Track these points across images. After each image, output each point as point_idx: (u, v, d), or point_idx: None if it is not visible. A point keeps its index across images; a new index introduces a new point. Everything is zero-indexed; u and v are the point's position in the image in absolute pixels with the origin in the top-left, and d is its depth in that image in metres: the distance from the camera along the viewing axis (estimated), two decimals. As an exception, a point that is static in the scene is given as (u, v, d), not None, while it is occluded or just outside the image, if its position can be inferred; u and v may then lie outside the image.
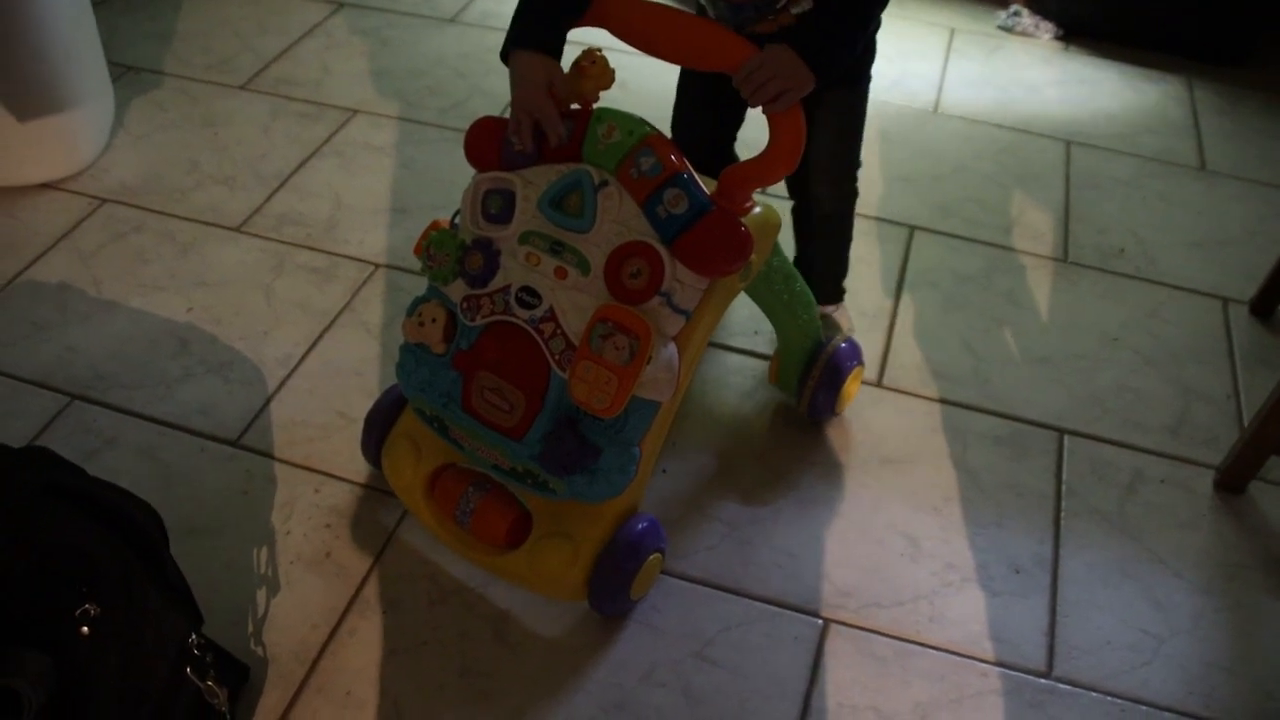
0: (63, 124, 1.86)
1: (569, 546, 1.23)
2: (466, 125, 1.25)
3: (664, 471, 1.47)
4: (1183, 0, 2.37)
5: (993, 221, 1.93)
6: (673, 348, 1.16)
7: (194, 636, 1.12)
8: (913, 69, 2.33)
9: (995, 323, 1.73)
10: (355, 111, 2.10)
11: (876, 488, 1.48)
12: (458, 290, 1.24)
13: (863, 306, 1.74)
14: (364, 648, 1.27)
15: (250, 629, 1.29)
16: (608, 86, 1.20)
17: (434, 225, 1.27)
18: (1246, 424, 1.53)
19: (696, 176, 1.14)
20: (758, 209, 1.21)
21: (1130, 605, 1.37)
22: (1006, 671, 1.29)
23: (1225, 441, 1.55)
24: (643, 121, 1.16)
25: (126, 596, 1.05)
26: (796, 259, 1.51)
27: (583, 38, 1.23)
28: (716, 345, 1.66)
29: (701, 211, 1.12)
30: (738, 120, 1.49)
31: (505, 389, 1.21)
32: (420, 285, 1.30)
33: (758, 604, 1.34)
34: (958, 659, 1.30)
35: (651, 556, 1.26)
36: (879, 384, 1.62)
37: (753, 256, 1.16)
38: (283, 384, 1.57)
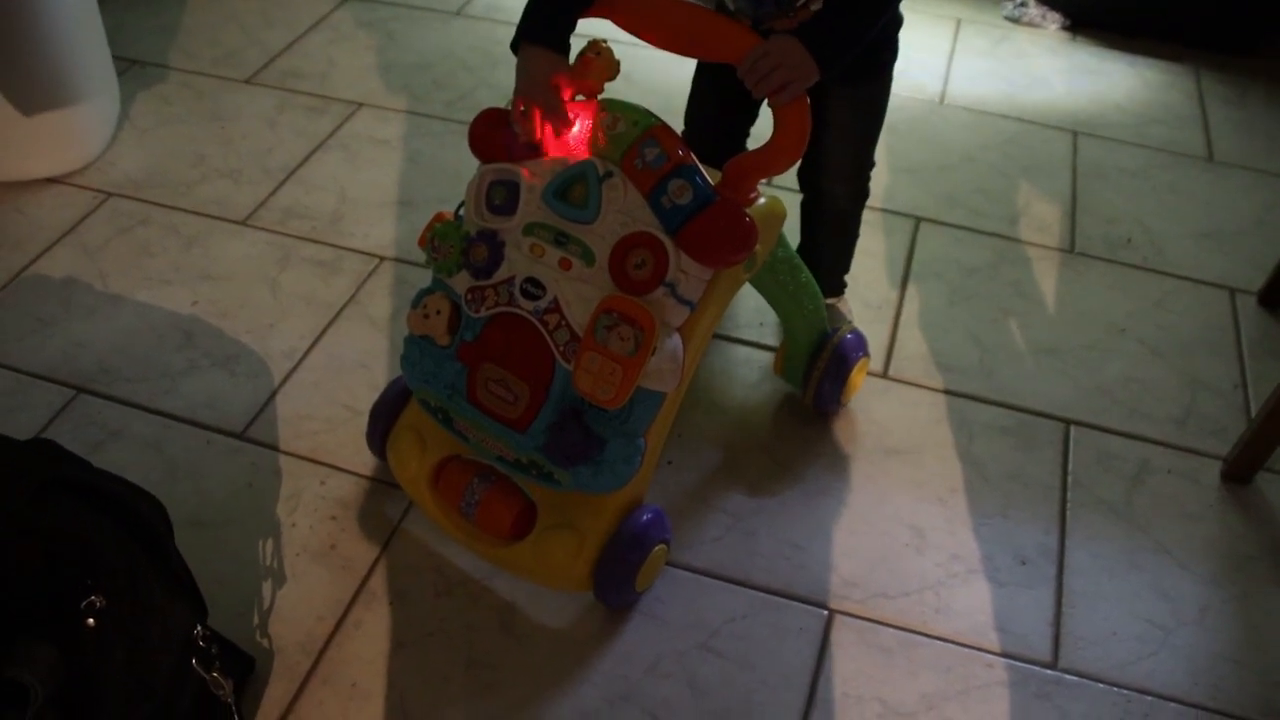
0: (68, 118, 1.86)
1: (574, 538, 1.23)
2: (472, 118, 1.24)
3: (669, 463, 1.47)
4: (1190, -10, 2.36)
5: (999, 212, 1.93)
6: (677, 338, 1.16)
7: (199, 628, 1.12)
8: (919, 60, 2.32)
9: (1001, 313, 1.73)
10: (361, 105, 2.10)
11: (882, 479, 1.48)
12: (462, 282, 1.24)
13: (868, 298, 1.74)
14: (370, 639, 1.27)
15: (256, 621, 1.29)
16: (613, 78, 1.20)
17: (438, 217, 1.27)
18: (1254, 415, 1.53)
19: (701, 167, 1.14)
20: (763, 200, 1.21)
21: (1137, 596, 1.36)
22: (1012, 663, 1.29)
23: (1232, 432, 1.55)
24: (648, 112, 1.16)
25: (132, 588, 1.06)
26: (800, 251, 1.51)
27: (588, 29, 1.23)
28: (721, 336, 1.66)
29: (706, 202, 1.12)
30: (751, 115, 1.49)
31: (510, 380, 1.21)
32: (425, 278, 1.30)
33: (763, 595, 1.33)
34: (964, 650, 1.30)
35: (656, 548, 1.26)
36: (885, 375, 1.62)
37: (757, 247, 1.16)
38: (288, 377, 1.57)
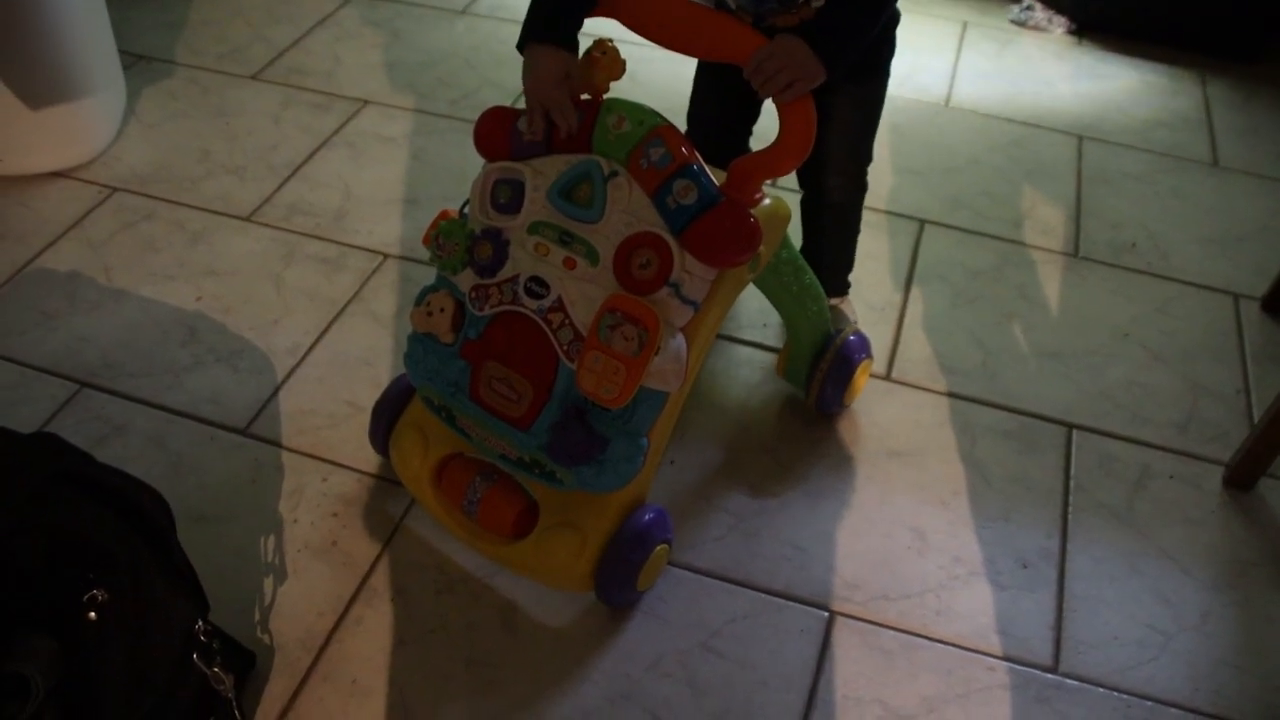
0: (74, 113, 1.87)
1: (576, 537, 1.23)
2: (477, 116, 1.24)
3: (671, 462, 1.47)
4: (1197, -5, 2.36)
5: (1003, 216, 1.93)
6: (681, 338, 1.16)
7: (200, 623, 1.12)
8: (925, 63, 2.32)
9: (1005, 317, 1.73)
10: (366, 102, 2.10)
11: (884, 481, 1.48)
12: (466, 280, 1.24)
13: (872, 300, 1.74)
14: (370, 636, 1.27)
15: (257, 616, 1.29)
16: (618, 77, 1.20)
17: (443, 215, 1.27)
18: (1256, 421, 1.53)
19: (706, 168, 1.14)
20: (767, 200, 1.21)
21: (1138, 601, 1.36)
22: (1013, 666, 1.29)
23: (1235, 438, 1.55)
24: (653, 112, 1.16)
25: (134, 583, 1.06)
26: (803, 250, 1.51)
27: (594, 28, 1.23)
28: (725, 337, 1.66)
29: (711, 202, 1.12)
30: (753, 114, 1.49)
31: (513, 379, 1.21)
32: (429, 275, 1.30)
33: (764, 596, 1.33)
34: (965, 653, 1.30)
35: (658, 548, 1.26)
36: (888, 377, 1.62)
37: (761, 248, 1.16)
38: (291, 373, 1.57)
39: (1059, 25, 2.46)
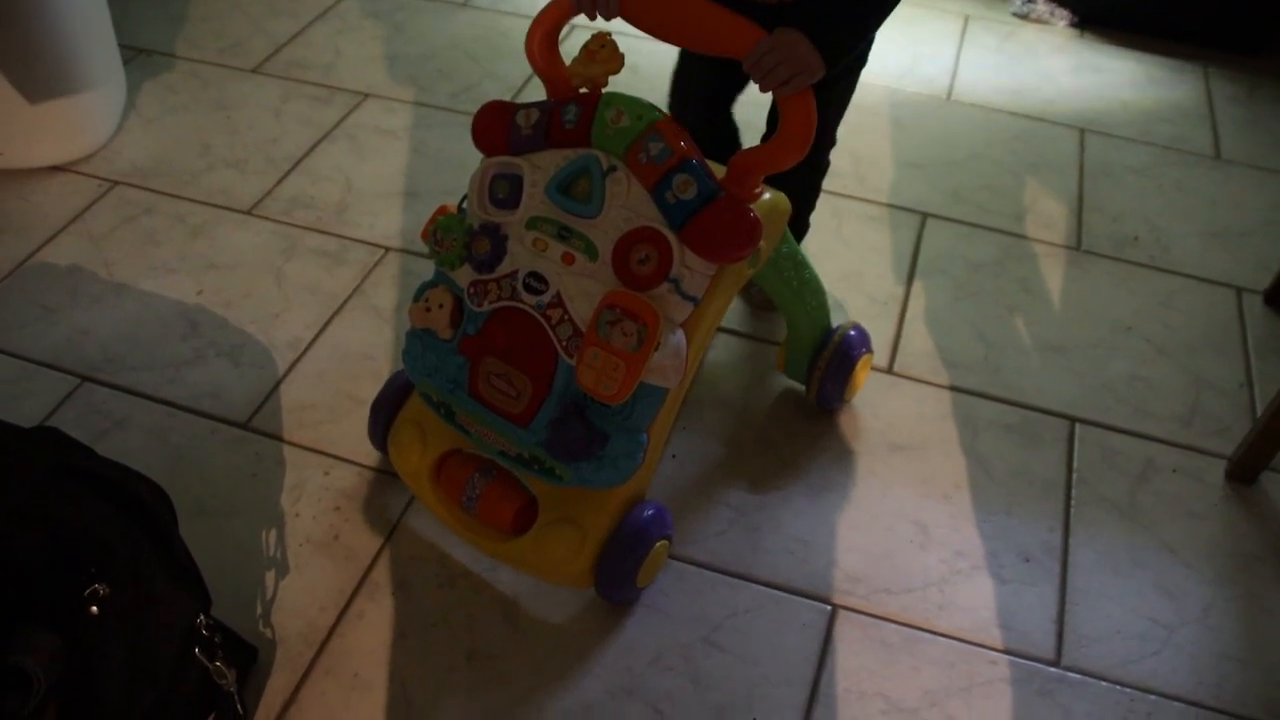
0: (74, 106, 1.86)
1: (575, 533, 1.23)
2: (477, 109, 1.24)
3: (673, 457, 1.47)
4: (1199, -12, 2.35)
5: (1005, 209, 1.92)
6: (680, 334, 1.15)
7: (202, 617, 1.12)
8: (926, 55, 2.32)
9: (1007, 310, 1.73)
10: (366, 95, 2.10)
11: (886, 475, 1.47)
12: (465, 275, 1.24)
13: (874, 293, 1.73)
14: (372, 630, 1.27)
15: (259, 611, 1.29)
16: (617, 71, 1.19)
17: (441, 210, 1.26)
18: (1259, 414, 1.52)
19: (706, 162, 1.14)
20: (767, 195, 1.20)
21: (1140, 594, 1.36)
22: (1016, 660, 1.29)
23: (1237, 432, 1.54)
24: (652, 106, 1.15)
25: (135, 577, 1.05)
26: None
27: (593, 24, 1.22)
28: (726, 331, 1.66)
29: (710, 197, 1.11)
30: (738, 83, 1.47)
31: (512, 375, 1.21)
32: (430, 270, 1.29)
33: (766, 590, 1.33)
34: (967, 647, 1.29)
35: (658, 544, 1.26)
36: (889, 371, 1.61)
37: (761, 243, 1.15)
38: (292, 367, 1.57)
39: (1061, 18, 2.45)
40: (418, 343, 1.27)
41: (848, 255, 1.80)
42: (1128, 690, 1.26)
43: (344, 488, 1.41)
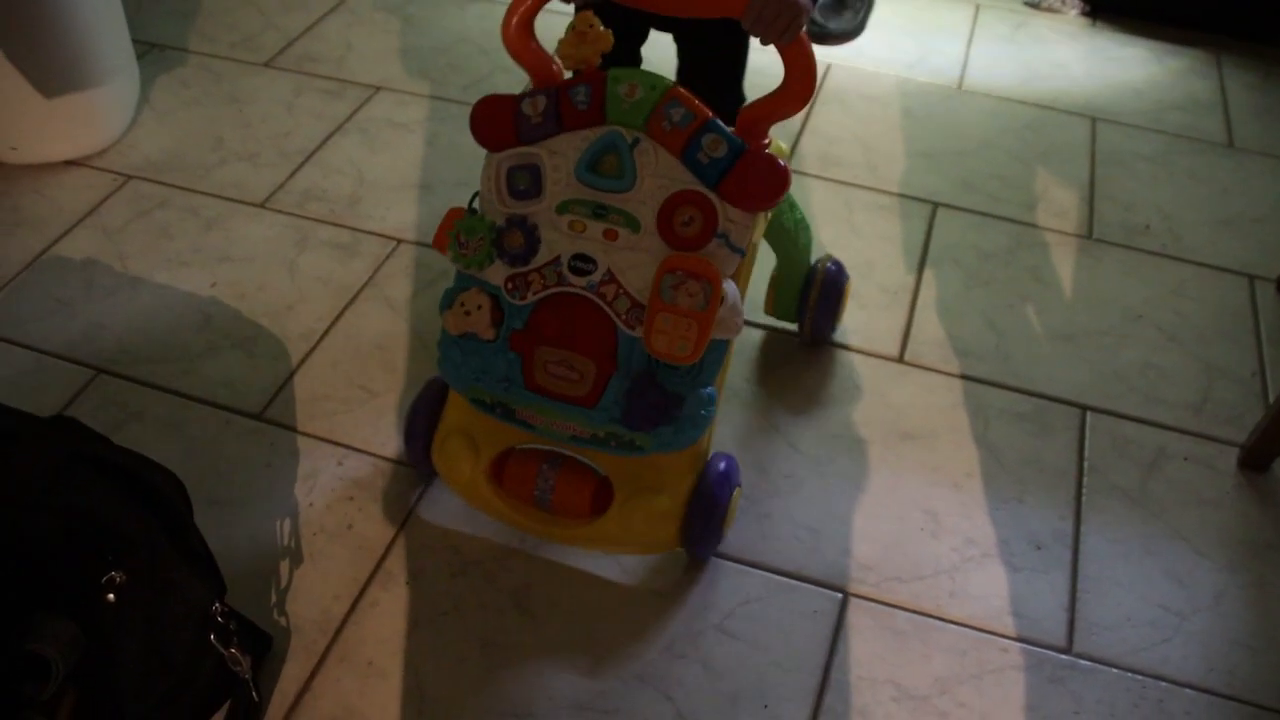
0: (88, 101, 1.87)
1: (661, 499, 1.25)
2: (474, 106, 1.23)
3: (684, 446, 1.47)
4: (1212, -25, 2.34)
5: (1017, 198, 1.92)
6: (734, 286, 1.17)
7: (217, 604, 1.13)
8: (937, 46, 2.31)
9: (1018, 299, 1.72)
10: (378, 88, 2.11)
11: (897, 463, 1.48)
12: (497, 273, 1.23)
13: (885, 282, 1.73)
14: (386, 618, 1.28)
15: (273, 599, 1.30)
16: (608, 49, 1.18)
17: (453, 214, 1.25)
18: (1272, 402, 1.52)
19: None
20: (771, 142, 1.22)
21: (1152, 582, 1.36)
22: (1027, 647, 1.29)
23: (1250, 419, 1.54)
24: (659, 76, 1.17)
25: (151, 564, 1.07)
26: None
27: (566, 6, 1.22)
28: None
29: (739, 152, 1.14)
30: (642, 35, 1.48)
31: (572, 359, 1.21)
32: (444, 261, 1.30)
33: (777, 577, 1.34)
34: (978, 634, 1.30)
35: (735, 492, 1.29)
36: (900, 360, 1.62)
37: None
38: (306, 358, 1.58)
39: (1073, 7, 2.45)
40: (456, 350, 1.25)
41: (858, 244, 1.80)
42: (1139, 677, 1.27)
43: (358, 477, 1.42)
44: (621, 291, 1.18)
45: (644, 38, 1.49)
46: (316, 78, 2.13)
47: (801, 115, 2.07)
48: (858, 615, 1.31)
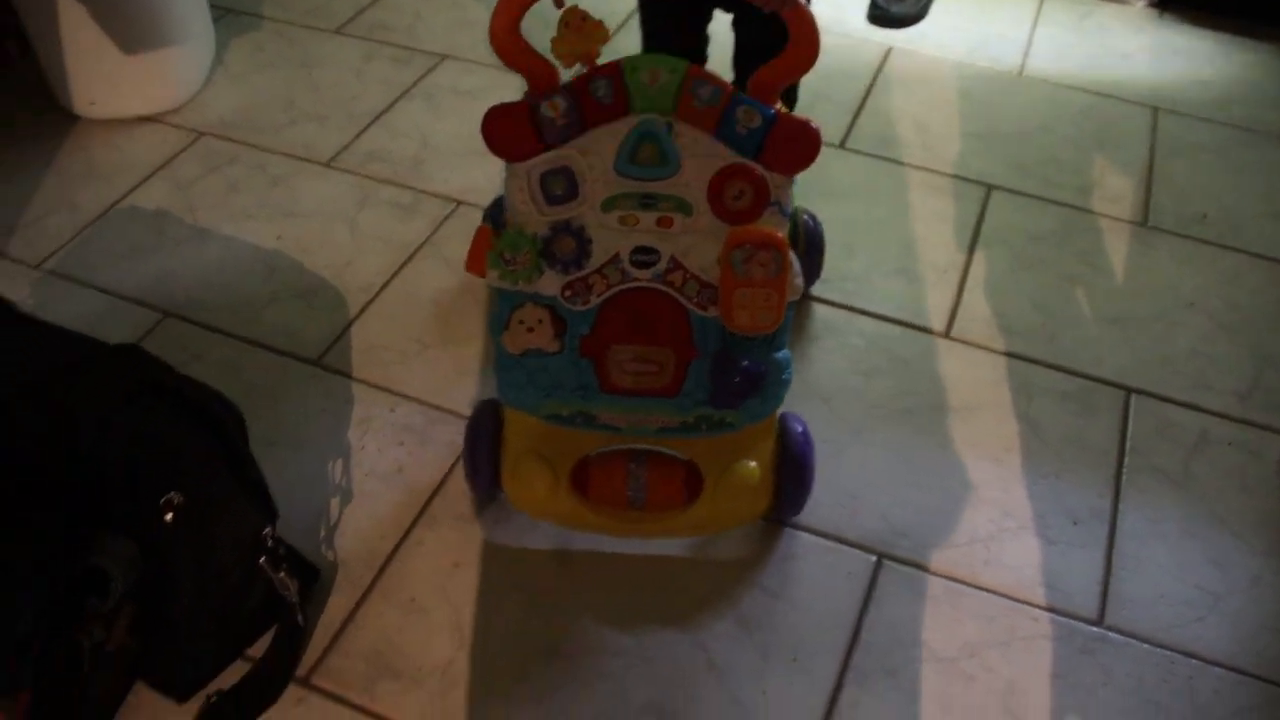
0: (164, 60, 1.94)
1: (754, 469, 1.27)
2: (484, 118, 1.18)
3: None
4: (1284, -30, 2.31)
5: (1071, 183, 1.92)
6: (789, 249, 1.19)
7: (269, 529, 1.18)
8: (998, 32, 2.31)
9: (1068, 282, 1.73)
10: (445, 57, 2.15)
11: (938, 434, 1.49)
12: (550, 283, 1.21)
13: (935, 260, 1.74)
14: (430, 558, 1.33)
15: (322, 534, 1.35)
16: (606, 40, 1.15)
17: (483, 233, 1.20)
18: (1321, 390, 1.51)
19: None
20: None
21: (1187, 562, 1.36)
22: (1058, 618, 1.30)
23: (1298, 409, 1.54)
24: (674, 58, 1.15)
25: (208, 487, 1.11)
26: None
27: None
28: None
29: (772, 120, 1.15)
30: (708, 15, 1.51)
31: (649, 352, 1.22)
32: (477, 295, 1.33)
33: (814, 538, 1.36)
34: (1010, 602, 1.31)
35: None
36: (947, 335, 1.63)
37: None
38: (364, 310, 1.62)
39: (1141, -1, 2.43)
40: (520, 371, 1.24)
41: (911, 222, 1.82)
42: (1169, 653, 1.27)
43: (409, 424, 1.47)
44: (689, 276, 1.20)
45: (709, 17, 1.51)
46: (385, 45, 2.18)
47: (859, 96, 2.09)
48: (891, 578, 1.33)
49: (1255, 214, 1.89)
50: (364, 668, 1.23)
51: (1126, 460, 1.47)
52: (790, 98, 1.62)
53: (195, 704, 1.18)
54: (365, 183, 1.85)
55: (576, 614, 1.28)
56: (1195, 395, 1.56)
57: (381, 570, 1.31)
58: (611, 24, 1.19)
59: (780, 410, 1.31)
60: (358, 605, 1.28)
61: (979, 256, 1.76)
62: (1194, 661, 1.27)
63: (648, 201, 1.18)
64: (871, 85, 2.13)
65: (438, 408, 1.49)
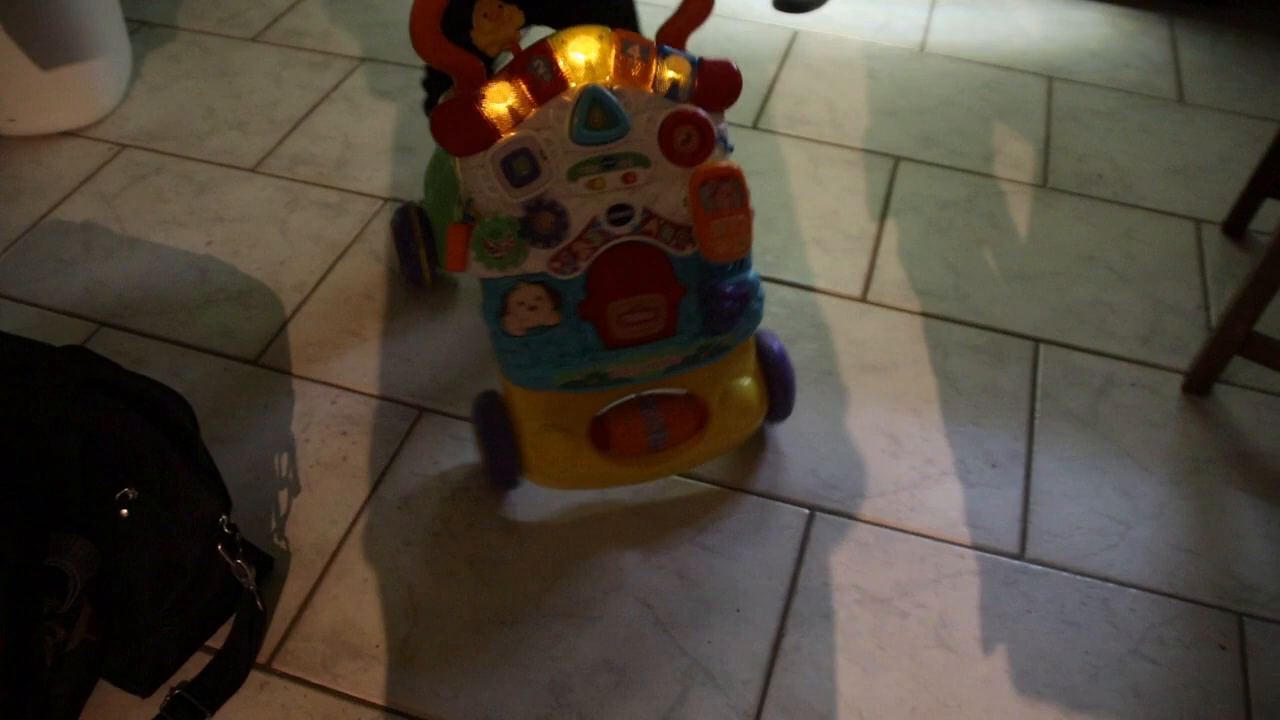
0: (83, 75, 1.95)
1: (749, 383, 1.39)
2: (432, 120, 1.20)
3: (659, 380, 1.56)
4: (1163, -59, 2.43)
5: (975, 151, 2.01)
6: None
7: (224, 516, 1.21)
8: (900, 12, 2.40)
9: (976, 243, 1.81)
10: (363, 60, 2.18)
11: (860, 392, 1.56)
12: (537, 260, 1.24)
13: (849, 230, 1.82)
14: (379, 540, 1.36)
15: (273, 525, 1.38)
16: (523, 24, 1.20)
17: (456, 230, 1.23)
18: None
19: None
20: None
21: (1099, 495, 1.45)
22: (982, 554, 1.38)
23: (1194, 350, 1.63)
24: (596, 26, 1.22)
25: (162, 478, 1.14)
26: None
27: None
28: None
29: (697, 64, 1.23)
30: None
31: (643, 301, 1.28)
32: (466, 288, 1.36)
33: (749, 496, 1.43)
34: (937, 543, 1.39)
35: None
36: (863, 299, 1.70)
37: None
38: (299, 308, 1.66)
39: (1031, -26, 2.53)
40: (524, 351, 1.28)
41: (824, 196, 1.89)
42: (1086, 579, 1.35)
43: (351, 414, 1.50)
44: (663, 222, 1.26)
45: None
46: (302, 50, 2.21)
47: (769, 78, 2.16)
48: (824, 529, 1.39)
49: (1146, 172, 2.00)
50: (323, 649, 1.26)
51: (1038, 405, 1.56)
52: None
53: (159, 698, 1.20)
54: (292, 185, 1.88)
55: (526, 582, 1.33)
56: (1099, 342, 1.66)
57: (334, 555, 1.35)
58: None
59: None
60: (313, 590, 1.32)
61: (890, 225, 1.84)
62: (1110, 585, 1.35)
63: (609, 163, 1.23)
64: (780, 68, 2.20)
65: (379, 397, 1.53)
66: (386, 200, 1.85)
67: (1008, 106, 2.14)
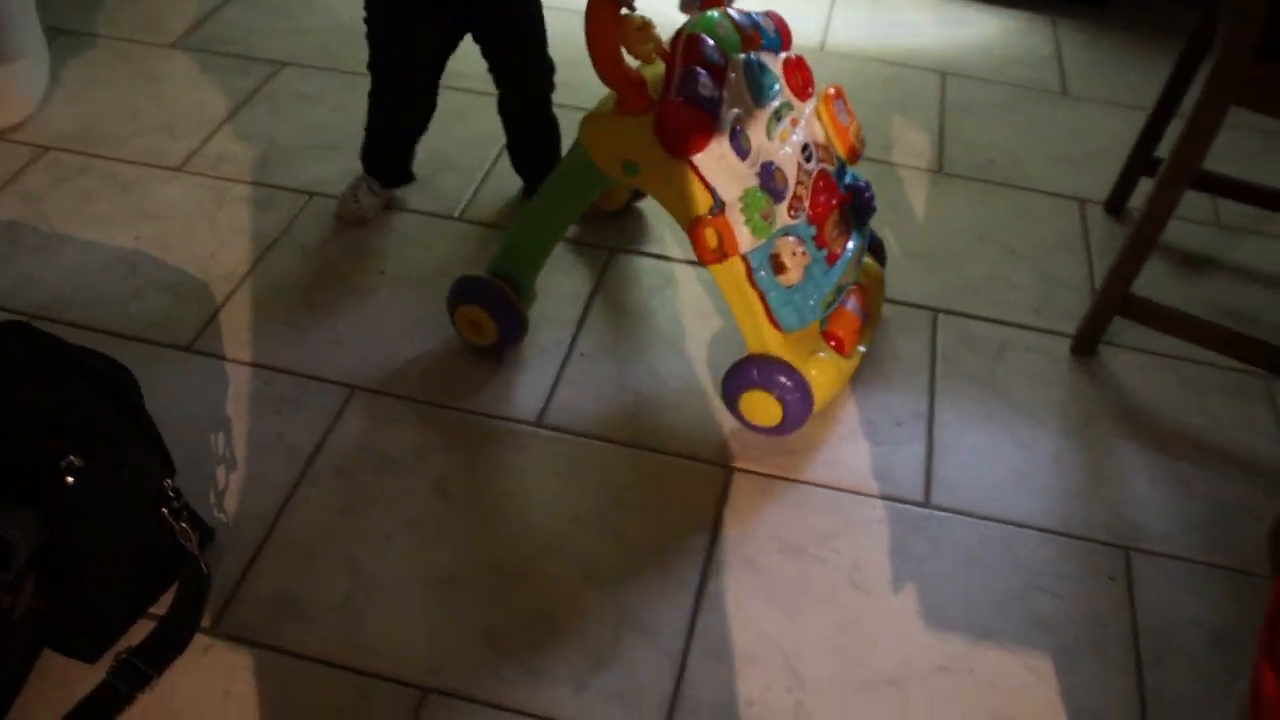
0: (1, 77, 1.97)
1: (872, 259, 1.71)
2: (670, 123, 1.34)
3: (582, 355, 1.63)
4: (1045, -53, 2.58)
5: (875, 141, 2.12)
6: None
7: (169, 481, 1.25)
8: (800, 12, 2.51)
9: (878, 225, 1.91)
10: (284, 64, 2.23)
11: (774, 361, 1.65)
12: (781, 215, 1.42)
13: (759, 215, 1.91)
14: (317, 510, 1.41)
15: (212, 500, 1.42)
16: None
17: (716, 221, 1.37)
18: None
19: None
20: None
21: (998, 448, 1.56)
22: (890, 503, 1.47)
23: (1081, 316, 1.75)
24: (704, 14, 1.43)
25: (107, 444, 1.18)
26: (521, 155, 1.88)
27: None
28: (626, 251, 1.83)
29: (765, 14, 1.50)
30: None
31: (835, 219, 1.50)
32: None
33: (671, 459, 1.50)
34: (848, 495, 1.47)
35: None
36: (774, 277, 1.79)
37: None
38: (229, 298, 1.70)
39: (924, -20, 2.67)
40: (799, 292, 1.44)
41: (735, 184, 1.98)
42: (988, 522, 1.45)
43: (284, 394, 1.55)
44: (822, 147, 1.51)
45: (454, 48, 1.71)
46: (224, 56, 2.25)
47: (680, 77, 2.25)
48: (743, 485, 1.48)
49: (1034, 158, 2.13)
50: (266, 613, 1.31)
51: (938, 369, 1.66)
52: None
53: (105, 663, 1.23)
54: (219, 183, 1.92)
55: (459, 541, 1.39)
56: (994, 311, 1.77)
57: (272, 526, 1.39)
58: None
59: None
60: (253, 558, 1.36)
61: (798, 208, 1.94)
62: (1009, 527, 1.45)
63: (779, 114, 1.44)
64: (690, 67, 2.29)
65: (311, 377, 1.58)
66: (313, 195, 1.90)
67: (905, 100, 2.26)
